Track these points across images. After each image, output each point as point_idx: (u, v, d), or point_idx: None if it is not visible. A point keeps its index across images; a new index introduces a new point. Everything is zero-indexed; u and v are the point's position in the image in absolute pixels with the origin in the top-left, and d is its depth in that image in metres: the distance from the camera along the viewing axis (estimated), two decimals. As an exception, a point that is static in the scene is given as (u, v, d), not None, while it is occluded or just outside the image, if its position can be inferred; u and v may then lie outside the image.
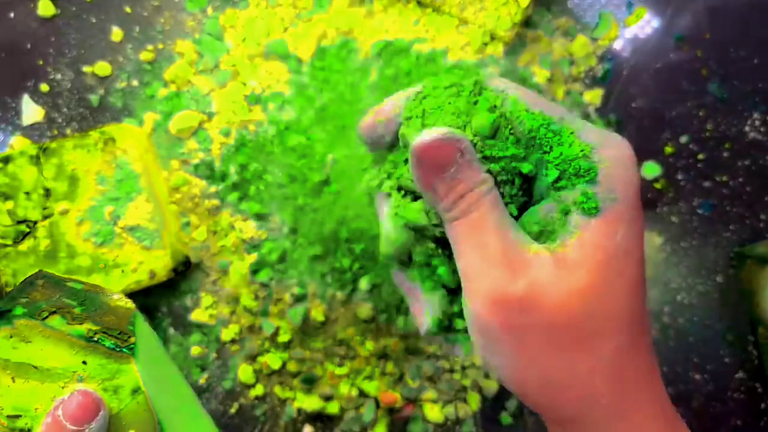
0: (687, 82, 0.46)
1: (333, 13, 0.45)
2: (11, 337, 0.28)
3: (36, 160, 0.41)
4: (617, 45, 0.46)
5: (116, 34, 0.46)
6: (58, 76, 0.46)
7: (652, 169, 0.46)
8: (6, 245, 0.40)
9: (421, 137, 0.25)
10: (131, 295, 0.33)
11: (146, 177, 0.42)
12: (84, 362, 0.29)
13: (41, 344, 0.28)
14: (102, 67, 0.46)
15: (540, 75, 0.45)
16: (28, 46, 0.45)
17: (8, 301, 0.29)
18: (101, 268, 0.41)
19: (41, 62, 0.45)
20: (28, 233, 0.41)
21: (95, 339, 0.29)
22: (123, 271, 0.41)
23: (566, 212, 0.25)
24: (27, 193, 0.41)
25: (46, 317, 0.29)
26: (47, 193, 0.41)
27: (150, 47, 0.46)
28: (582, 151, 0.25)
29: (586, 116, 0.46)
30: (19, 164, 0.41)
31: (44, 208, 0.41)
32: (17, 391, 0.28)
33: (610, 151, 0.25)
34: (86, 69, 0.46)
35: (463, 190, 0.25)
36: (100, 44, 0.46)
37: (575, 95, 0.46)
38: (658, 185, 0.46)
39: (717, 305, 0.46)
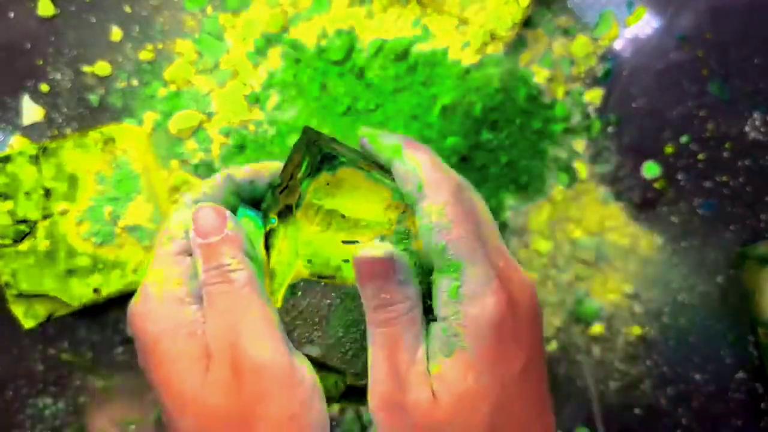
0: (688, 82, 0.46)
1: (333, 13, 0.45)
2: (328, 184, 0.27)
3: (36, 160, 0.41)
4: (618, 45, 0.46)
5: (116, 33, 0.46)
6: (58, 76, 0.46)
7: (652, 169, 0.46)
8: (5, 245, 0.40)
9: (363, 251, 0.27)
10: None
11: (146, 177, 0.42)
12: (391, 221, 0.28)
13: (356, 195, 0.28)
14: (102, 67, 0.45)
15: (540, 74, 0.45)
16: (28, 45, 0.45)
17: (328, 147, 0.28)
18: (101, 268, 0.41)
19: (41, 62, 0.45)
20: (28, 233, 0.41)
21: None
22: (123, 272, 0.41)
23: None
24: (27, 193, 0.41)
25: (366, 170, 0.28)
26: (47, 193, 0.41)
27: (149, 47, 0.46)
28: (446, 316, 0.28)
29: (587, 116, 0.46)
30: (19, 164, 0.40)
31: (44, 208, 0.41)
32: (319, 238, 0.28)
33: (473, 309, 0.27)
34: (86, 69, 0.46)
35: (386, 303, 0.27)
36: (100, 44, 0.46)
37: (575, 95, 0.46)
38: (658, 185, 0.46)
39: (718, 305, 0.46)
